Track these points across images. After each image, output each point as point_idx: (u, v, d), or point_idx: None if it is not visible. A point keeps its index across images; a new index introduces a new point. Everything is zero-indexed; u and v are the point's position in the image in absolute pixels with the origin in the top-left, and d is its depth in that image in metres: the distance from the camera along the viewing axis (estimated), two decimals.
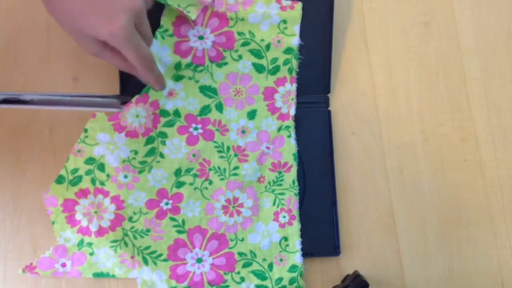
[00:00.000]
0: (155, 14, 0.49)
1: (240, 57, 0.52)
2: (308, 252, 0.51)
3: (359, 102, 0.55)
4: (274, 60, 0.53)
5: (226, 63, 0.52)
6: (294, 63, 0.53)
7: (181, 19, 0.51)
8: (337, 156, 0.54)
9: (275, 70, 0.53)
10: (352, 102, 0.55)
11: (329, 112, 0.54)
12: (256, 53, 0.52)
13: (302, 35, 0.53)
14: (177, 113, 0.51)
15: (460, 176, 0.55)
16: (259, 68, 0.53)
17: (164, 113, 0.51)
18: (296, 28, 0.52)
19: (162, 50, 0.51)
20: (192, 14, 0.50)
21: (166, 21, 0.50)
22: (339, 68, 0.56)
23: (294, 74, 0.53)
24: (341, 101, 0.55)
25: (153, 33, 0.49)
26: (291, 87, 0.53)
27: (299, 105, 0.53)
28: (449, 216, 0.54)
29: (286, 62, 0.53)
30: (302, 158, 0.53)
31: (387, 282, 0.52)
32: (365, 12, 0.57)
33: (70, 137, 0.49)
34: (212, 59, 0.52)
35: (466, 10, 0.58)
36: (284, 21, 0.52)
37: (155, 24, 0.50)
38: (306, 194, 0.52)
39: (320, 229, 0.51)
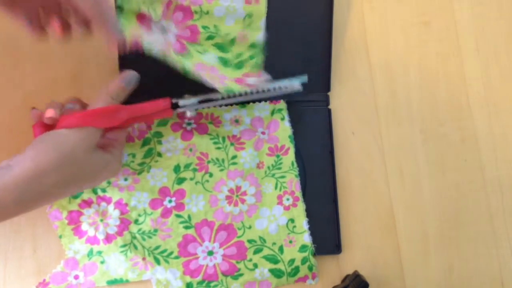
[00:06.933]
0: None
1: (205, 50, 0.51)
2: None
3: (359, 102, 0.55)
4: (239, 54, 0.51)
5: (191, 56, 0.50)
6: (260, 59, 0.51)
7: (141, 19, 0.47)
8: (337, 156, 0.54)
9: (240, 65, 0.51)
10: (352, 101, 0.55)
11: (329, 111, 0.54)
12: (221, 47, 0.51)
13: (302, 34, 0.53)
14: None
15: (460, 176, 0.54)
16: (224, 61, 0.51)
17: None
18: (262, 23, 0.51)
19: None
20: (158, 9, 0.47)
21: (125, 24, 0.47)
22: (339, 68, 0.56)
23: (260, 70, 0.51)
24: (341, 101, 0.55)
25: None
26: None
27: (299, 103, 0.54)
28: (449, 216, 0.54)
29: (251, 57, 0.51)
30: (302, 156, 0.53)
31: (387, 282, 0.52)
32: (365, 12, 0.57)
33: None
34: (177, 52, 0.50)
35: (466, 10, 0.58)
36: (249, 16, 0.50)
37: None
38: (306, 192, 0.52)
39: (321, 228, 0.51)
